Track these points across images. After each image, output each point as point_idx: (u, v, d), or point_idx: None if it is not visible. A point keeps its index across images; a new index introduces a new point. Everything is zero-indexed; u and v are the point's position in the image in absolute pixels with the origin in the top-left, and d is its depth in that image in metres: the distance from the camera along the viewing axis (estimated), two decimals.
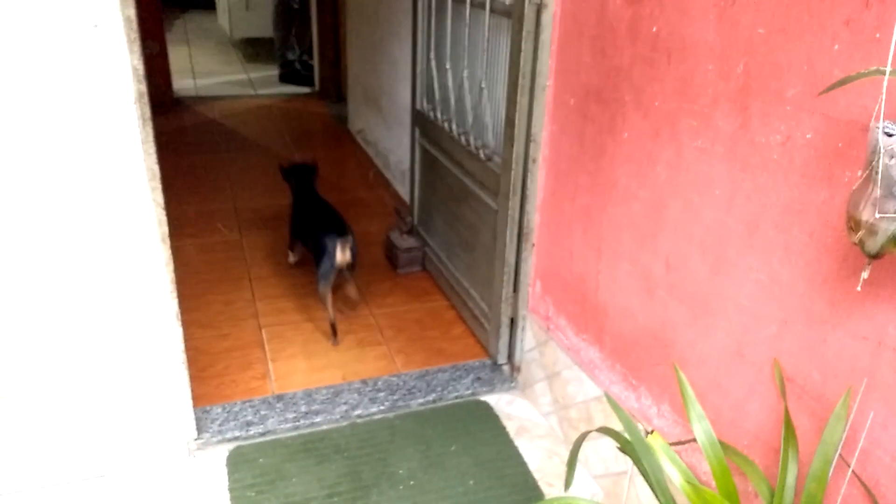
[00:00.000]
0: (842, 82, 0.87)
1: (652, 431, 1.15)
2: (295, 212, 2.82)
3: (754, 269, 1.27)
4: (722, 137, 1.29)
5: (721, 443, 1.23)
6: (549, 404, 2.07)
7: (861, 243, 0.91)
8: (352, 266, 2.50)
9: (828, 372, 1.15)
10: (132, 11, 1.48)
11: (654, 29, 1.42)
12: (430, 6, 2.52)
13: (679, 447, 1.53)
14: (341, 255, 2.40)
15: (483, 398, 2.20)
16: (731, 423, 1.38)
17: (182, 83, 5.62)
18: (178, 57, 6.08)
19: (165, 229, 1.66)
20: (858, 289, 1.06)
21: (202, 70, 6.27)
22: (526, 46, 1.82)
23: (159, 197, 1.62)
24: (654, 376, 1.60)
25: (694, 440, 1.25)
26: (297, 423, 2.02)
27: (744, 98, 1.23)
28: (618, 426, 1.29)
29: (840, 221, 1.08)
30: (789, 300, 1.21)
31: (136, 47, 1.50)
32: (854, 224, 0.90)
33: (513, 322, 2.22)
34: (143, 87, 1.54)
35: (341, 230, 2.45)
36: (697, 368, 1.45)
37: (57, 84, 1.44)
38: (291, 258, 2.98)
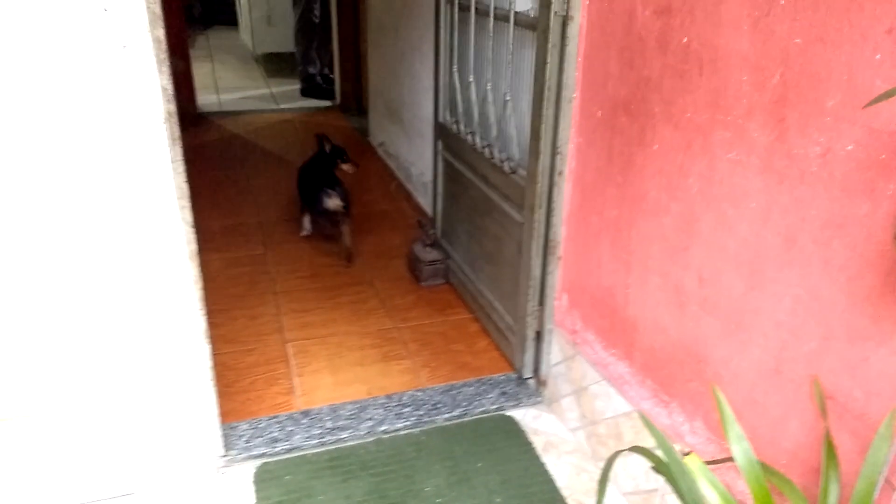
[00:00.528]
0: (887, 95, 0.84)
1: (689, 452, 1.12)
2: (304, 180, 3.31)
3: (792, 284, 1.24)
4: (757, 149, 1.26)
5: (760, 463, 1.19)
6: (577, 419, 2.04)
7: None
8: (346, 211, 3.11)
9: (871, 391, 1.12)
10: (161, 32, 1.49)
11: (685, 40, 1.40)
12: (452, 19, 2.52)
13: (713, 466, 1.49)
14: (331, 201, 3.08)
15: (509, 413, 2.17)
16: (769, 442, 1.35)
17: (206, 98, 5.69)
18: (201, 73, 6.16)
19: (194, 247, 1.67)
20: None
21: (225, 85, 6.34)
22: (551, 59, 1.81)
23: (188, 215, 1.63)
24: (687, 392, 1.57)
25: (730, 459, 1.21)
26: (323, 440, 2.01)
27: (780, 109, 1.20)
28: (647, 443, 1.26)
29: (884, 235, 1.05)
30: (830, 316, 1.17)
31: (165, 67, 1.51)
32: None
33: (539, 336, 2.20)
34: (172, 107, 1.55)
35: (332, 185, 3.10)
36: (732, 385, 1.42)
37: (87, 105, 1.45)
38: (306, 227, 3.38)
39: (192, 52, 5.61)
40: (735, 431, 1.16)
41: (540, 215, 2.02)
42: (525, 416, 2.17)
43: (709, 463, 1.46)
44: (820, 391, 1.21)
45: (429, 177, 3.16)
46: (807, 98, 1.14)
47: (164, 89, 1.52)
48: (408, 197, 3.86)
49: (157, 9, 1.47)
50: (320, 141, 3.28)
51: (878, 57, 1.01)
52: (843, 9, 1.06)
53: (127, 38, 1.44)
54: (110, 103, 1.47)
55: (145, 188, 1.56)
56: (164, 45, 1.50)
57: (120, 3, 1.41)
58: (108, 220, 1.55)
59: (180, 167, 1.59)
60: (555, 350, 2.15)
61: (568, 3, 1.73)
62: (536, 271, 2.10)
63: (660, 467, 1.27)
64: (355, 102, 5.24)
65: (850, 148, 1.08)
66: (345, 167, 3.26)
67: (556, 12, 1.75)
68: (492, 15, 2.18)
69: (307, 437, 2.02)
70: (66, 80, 1.42)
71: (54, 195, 1.49)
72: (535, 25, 1.87)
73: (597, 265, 1.86)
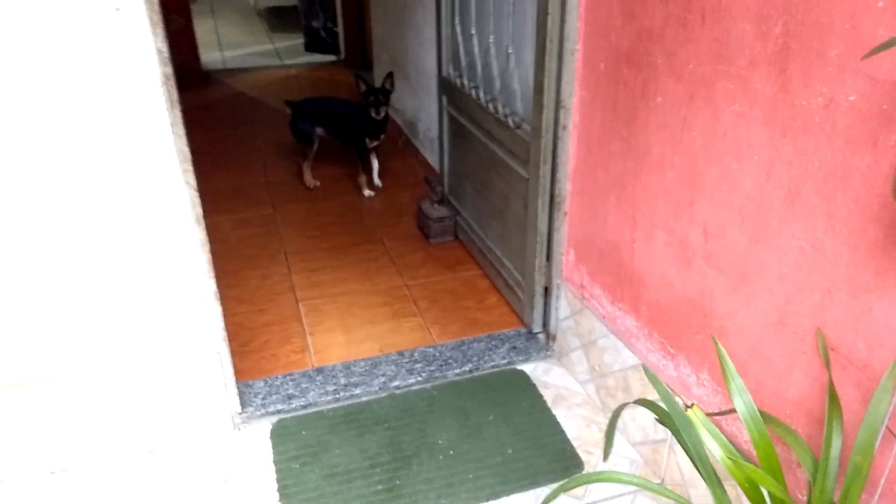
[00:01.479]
0: (886, 45, 0.82)
1: (692, 405, 1.14)
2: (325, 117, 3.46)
3: (796, 237, 1.23)
4: (760, 101, 1.24)
5: (763, 413, 1.21)
6: (586, 373, 2.07)
7: None
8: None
9: (873, 342, 1.12)
10: None
11: None
12: None
13: (717, 417, 1.52)
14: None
15: (519, 367, 2.20)
16: (773, 393, 1.36)
17: (209, 56, 5.63)
18: (204, 30, 6.08)
19: (199, 210, 1.68)
20: None
21: (229, 42, 6.26)
22: (553, 9, 1.76)
23: (191, 178, 1.64)
24: (693, 345, 1.58)
25: (734, 411, 1.23)
26: (338, 396, 2.06)
27: (783, 60, 1.17)
28: (655, 395, 1.28)
29: (886, 187, 1.03)
30: (833, 269, 1.17)
31: (160, 29, 1.49)
32: None
33: (547, 291, 2.21)
34: (169, 70, 1.54)
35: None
36: (737, 338, 1.43)
37: (81, 70, 1.44)
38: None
39: (193, 8, 5.52)
40: (736, 384, 1.17)
41: (545, 171, 2.00)
42: (535, 369, 2.20)
43: (713, 415, 1.49)
44: (823, 343, 1.22)
45: (435, 132, 3.13)
46: (809, 48, 1.12)
47: (160, 52, 1.50)
48: (415, 153, 3.84)
49: None
50: (357, 80, 3.24)
51: (880, 5, 0.98)
52: None
53: (119, 0, 1.43)
54: (105, 68, 1.46)
55: (146, 153, 1.56)
56: (157, 7, 1.48)
57: None
58: (111, 187, 1.56)
59: (181, 130, 1.59)
60: (563, 305, 2.16)
61: None
62: (543, 227, 2.10)
63: (664, 420, 1.29)
64: (360, 57, 5.16)
65: (852, 98, 1.06)
66: (372, 110, 3.22)
67: None
68: None
69: (322, 394, 2.06)
70: (59, 46, 1.41)
71: (52, 164, 1.50)
72: None
73: (602, 220, 1.85)
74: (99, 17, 1.41)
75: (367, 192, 3.41)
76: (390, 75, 3.24)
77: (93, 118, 1.49)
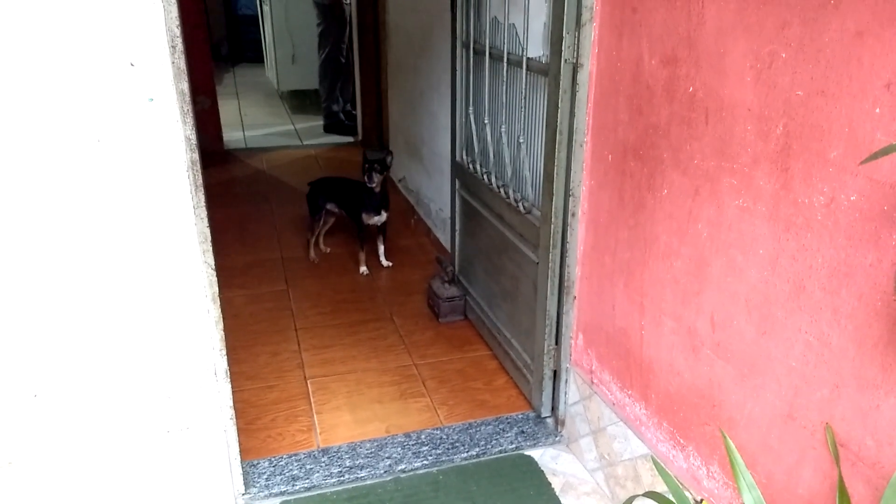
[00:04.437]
0: (884, 151, 0.86)
1: (702, 500, 1.12)
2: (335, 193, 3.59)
3: (803, 330, 1.24)
4: (764, 197, 1.28)
5: None
6: (595, 460, 2.03)
7: None
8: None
9: (882, 439, 1.12)
10: (185, 85, 1.56)
11: (691, 89, 1.43)
12: (467, 63, 2.58)
13: None
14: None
15: (527, 452, 2.17)
16: (784, 489, 1.34)
17: (232, 135, 5.83)
18: (228, 109, 6.32)
19: (216, 290, 1.72)
20: None
21: (251, 122, 6.49)
22: (563, 104, 1.85)
23: (210, 259, 1.68)
24: (703, 436, 1.56)
25: None
26: (342, 478, 2.03)
27: (784, 159, 1.22)
28: (665, 486, 1.26)
29: (889, 285, 1.06)
30: (840, 364, 1.18)
31: (189, 118, 1.58)
32: None
33: (556, 374, 2.20)
34: (196, 156, 1.61)
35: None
36: (747, 430, 1.41)
37: (115, 155, 1.52)
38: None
39: (219, 90, 5.77)
40: (746, 480, 1.16)
41: (554, 255, 2.04)
42: (543, 455, 2.16)
43: None
44: (833, 438, 1.21)
45: (447, 213, 3.20)
46: (810, 149, 1.16)
47: (188, 139, 1.58)
48: (427, 232, 3.90)
49: (182, 64, 1.54)
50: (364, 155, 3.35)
51: (877, 111, 1.03)
52: (843, 63, 1.09)
53: (153, 91, 1.51)
54: (137, 152, 1.53)
55: (169, 233, 1.61)
56: (188, 98, 1.57)
57: (146, 59, 1.48)
58: (135, 264, 1.61)
59: (203, 213, 1.65)
60: (572, 389, 2.15)
61: (578, 50, 1.78)
62: (552, 310, 2.12)
63: None
64: (377, 139, 5.33)
65: (853, 198, 1.09)
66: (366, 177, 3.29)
67: (566, 59, 1.80)
68: (505, 60, 2.24)
69: (326, 476, 2.04)
70: (96, 132, 1.49)
71: (85, 243, 1.56)
72: (547, 71, 1.92)
73: (611, 306, 1.87)
74: (134, 106, 1.49)
75: (362, 269, 3.47)
76: (390, 152, 3.41)
77: (122, 199, 1.55)
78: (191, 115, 1.58)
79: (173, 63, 1.51)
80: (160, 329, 1.68)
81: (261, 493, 1.97)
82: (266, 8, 7.02)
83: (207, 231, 1.66)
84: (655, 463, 1.26)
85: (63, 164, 1.49)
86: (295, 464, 2.09)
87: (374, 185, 3.31)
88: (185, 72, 1.55)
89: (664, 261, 1.61)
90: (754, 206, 1.31)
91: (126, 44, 1.45)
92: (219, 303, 1.73)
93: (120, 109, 1.49)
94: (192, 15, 4.79)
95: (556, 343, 2.15)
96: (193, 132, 1.60)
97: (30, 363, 1.61)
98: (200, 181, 1.63)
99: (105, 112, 1.48)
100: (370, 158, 3.31)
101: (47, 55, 1.41)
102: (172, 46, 1.50)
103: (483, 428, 2.26)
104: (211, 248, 1.68)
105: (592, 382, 2.03)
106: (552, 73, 1.87)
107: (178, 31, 1.51)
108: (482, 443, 2.18)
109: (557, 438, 2.21)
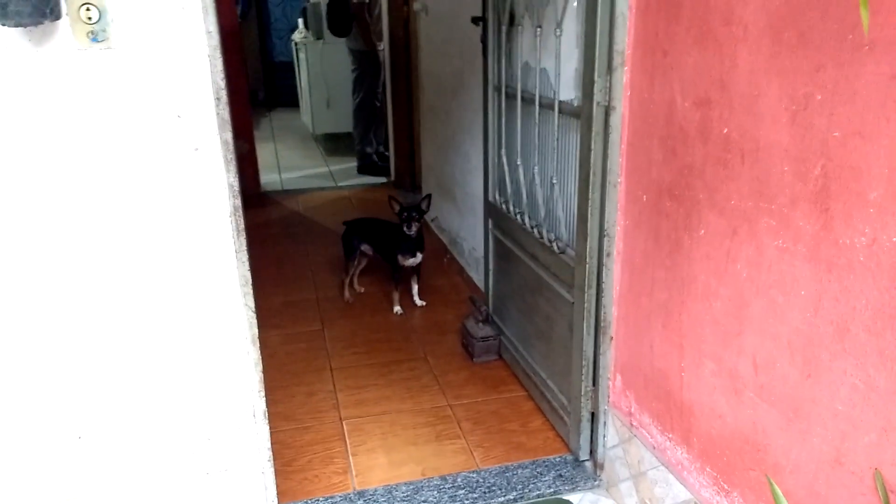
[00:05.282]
0: None
1: None
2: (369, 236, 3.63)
3: (848, 373, 1.21)
4: (804, 238, 1.27)
5: None
6: None
7: None
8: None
9: None
10: (229, 135, 1.62)
11: (725, 130, 1.44)
12: (499, 106, 2.62)
13: None
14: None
15: (566, 497, 2.13)
16: None
17: (268, 177, 5.97)
18: (265, 153, 6.48)
19: (256, 331, 1.75)
20: None
21: (287, 165, 6.65)
22: (595, 146, 1.86)
23: (251, 301, 1.72)
24: (748, 481, 1.52)
25: None
26: None
27: (824, 200, 1.21)
28: None
29: None
30: (888, 407, 1.14)
31: (233, 167, 1.63)
32: None
33: (594, 416, 2.17)
34: (238, 202, 1.66)
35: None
36: (793, 476, 1.38)
37: (162, 203, 1.58)
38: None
39: (256, 134, 5.93)
40: None
41: (590, 295, 2.03)
42: (582, 500, 2.12)
43: None
44: (882, 484, 1.17)
45: (480, 252, 3.22)
46: (849, 189, 1.16)
47: (231, 186, 1.64)
48: (460, 271, 3.92)
49: (226, 114, 1.60)
50: (391, 201, 3.39)
51: None
52: (879, 104, 1.09)
53: (198, 141, 1.57)
54: (182, 200, 1.59)
55: (212, 277, 1.66)
56: (231, 147, 1.63)
57: (192, 110, 1.55)
58: (178, 306, 1.65)
59: (244, 257, 1.69)
60: (611, 432, 2.12)
61: (610, 93, 1.80)
62: (589, 351, 2.10)
63: None
64: (409, 180, 5.41)
65: (895, 239, 1.08)
66: (405, 226, 3.33)
67: (598, 102, 1.82)
68: (537, 103, 2.28)
69: None
70: (144, 180, 1.55)
71: (130, 284, 1.61)
72: (579, 114, 1.95)
73: (649, 347, 1.85)
74: (180, 155, 1.56)
75: (396, 309, 3.49)
76: (428, 197, 3.42)
77: (167, 244, 1.61)
78: (233, 162, 1.64)
79: (218, 114, 1.57)
80: (201, 371, 1.72)
81: None
82: (302, 55, 7.24)
83: (248, 274, 1.70)
84: None
85: (113, 210, 1.55)
86: None
87: (412, 233, 3.32)
88: (229, 122, 1.61)
89: (703, 301, 1.60)
90: (794, 247, 1.30)
91: (173, 96, 1.52)
92: (258, 344, 1.76)
93: (167, 159, 1.55)
94: (232, 64, 4.96)
95: (594, 384, 2.13)
96: (236, 179, 1.65)
97: (74, 405, 1.66)
98: (242, 226, 1.68)
99: (152, 161, 1.55)
100: (405, 206, 3.33)
101: (101, 109, 1.48)
102: (217, 98, 1.56)
103: (520, 471, 2.23)
104: (251, 291, 1.72)
105: (632, 425, 2.00)
106: (584, 116, 1.89)
107: (222, 84, 1.57)
108: (519, 486, 2.15)
109: (597, 482, 2.17)
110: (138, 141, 1.52)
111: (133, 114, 1.50)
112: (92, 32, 1.43)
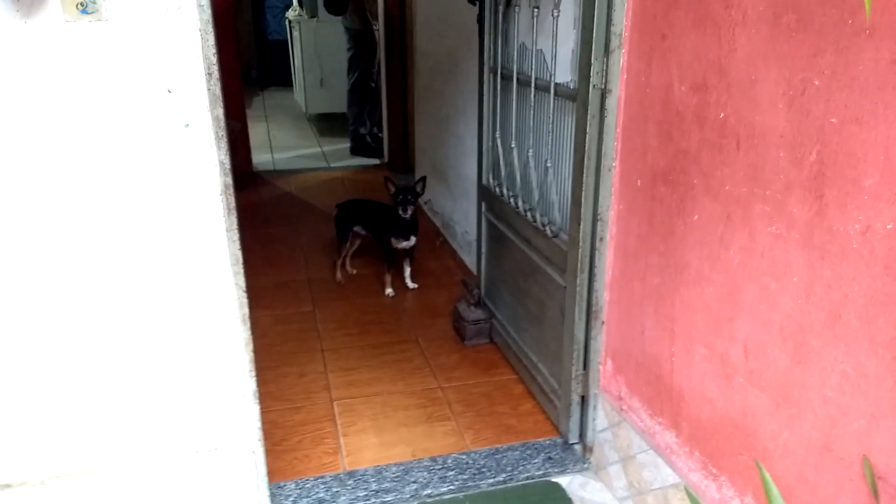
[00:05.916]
0: None
1: None
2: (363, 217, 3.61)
3: (839, 360, 1.22)
4: (797, 224, 1.27)
5: None
6: (625, 489, 2.00)
7: None
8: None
9: None
10: (220, 111, 1.60)
11: (722, 115, 1.43)
12: (495, 88, 2.60)
13: None
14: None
15: (555, 479, 2.15)
16: None
17: (261, 157, 5.93)
18: (257, 132, 6.44)
19: (246, 311, 1.74)
20: None
21: (279, 144, 6.60)
22: (591, 129, 1.85)
23: (241, 281, 1.70)
24: (736, 466, 1.53)
25: None
26: (368, 502, 2.02)
27: (818, 186, 1.21)
28: None
29: None
30: (877, 394, 1.15)
31: (224, 144, 1.61)
32: None
33: (584, 400, 2.18)
34: (229, 180, 1.64)
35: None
36: (782, 461, 1.39)
37: (152, 178, 1.55)
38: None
39: (248, 113, 5.87)
40: None
41: (582, 280, 2.03)
42: (571, 482, 2.14)
43: None
44: (870, 471, 1.18)
45: (473, 235, 3.21)
46: (844, 176, 1.15)
47: (222, 164, 1.61)
48: (453, 254, 3.91)
49: (218, 90, 1.58)
50: (386, 182, 3.37)
51: None
52: (877, 90, 1.08)
53: (189, 117, 1.55)
54: (172, 177, 1.57)
55: (202, 255, 1.64)
56: (222, 123, 1.60)
57: (183, 85, 1.52)
58: (167, 284, 1.64)
59: (235, 236, 1.67)
60: (600, 416, 2.13)
61: (606, 76, 1.79)
62: (580, 335, 2.10)
63: None
64: (402, 161, 5.38)
65: (889, 227, 1.08)
66: (400, 209, 3.32)
67: (594, 85, 1.81)
68: (533, 85, 2.26)
69: (352, 499, 2.03)
70: (133, 156, 1.53)
71: (118, 262, 1.59)
72: (575, 97, 1.93)
73: (640, 332, 1.86)
74: (170, 131, 1.53)
75: (388, 291, 3.49)
76: (422, 179, 3.39)
77: (156, 221, 1.59)
78: (225, 139, 1.61)
79: (209, 90, 1.55)
80: (191, 349, 1.71)
81: None
82: (296, 33, 7.16)
83: (239, 253, 1.69)
84: (688, 493, 1.24)
85: (100, 186, 1.53)
86: (321, 486, 2.09)
87: (407, 215, 3.31)
88: (221, 98, 1.59)
89: (695, 287, 1.60)
90: (787, 234, 1.29)
91: (164, 71, 1.49)
92: (249, 324, 1.75)
93: (156, 134, 1.53)
94: (224, 40, 4.90)
95: (585, 368, 2.14)
96: (227, 157, 1.63)
97: (62, 383, 1.65)
98: (233, 204, 1.66)
99: (142, 137, 1.52)
100: (400, 188, 3.32)
101: (90, 82, 1.45)
102: (209, 73, 1.54)
103: (510, 453, 2.24)
104: (242, 271, 1.71)
105: (621, 409, 2.01)
106: (580, 98, 1.88)
107: (214, 59, 1.54)
108: (509, 468, 2.16)
109: (586, 465, 2.18)
110: (128, 116, 1.50)
111: (123, 88, 1.48)
112: (81, 4, 1.40)
